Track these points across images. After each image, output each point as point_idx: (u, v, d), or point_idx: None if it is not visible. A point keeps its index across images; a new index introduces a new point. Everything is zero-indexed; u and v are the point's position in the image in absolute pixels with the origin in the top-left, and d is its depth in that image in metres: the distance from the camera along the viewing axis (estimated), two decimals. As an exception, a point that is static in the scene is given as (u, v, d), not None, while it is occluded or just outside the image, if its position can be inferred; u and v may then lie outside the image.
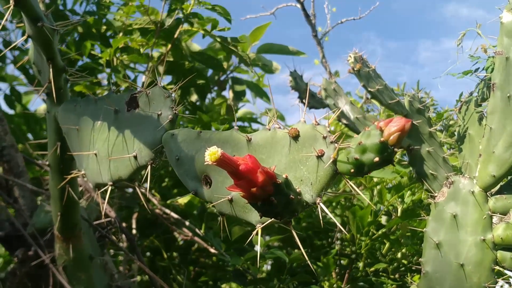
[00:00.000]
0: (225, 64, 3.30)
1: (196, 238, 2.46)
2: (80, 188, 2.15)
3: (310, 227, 2.81)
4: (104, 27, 2.66)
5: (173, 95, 1.34)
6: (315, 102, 2.78)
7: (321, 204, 1.05)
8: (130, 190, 2.81)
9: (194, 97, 3.17)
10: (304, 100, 2.97)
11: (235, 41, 2.40)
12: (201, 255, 2.72)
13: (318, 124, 1.08)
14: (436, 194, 1.80)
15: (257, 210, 0.98)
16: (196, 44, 3.02)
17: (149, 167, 1.32)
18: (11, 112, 3.02)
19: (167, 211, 2.53)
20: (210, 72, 3.35)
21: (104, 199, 1.41)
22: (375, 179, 2.88)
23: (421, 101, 2.37)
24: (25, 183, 2.18)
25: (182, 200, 2.64)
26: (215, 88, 3.47)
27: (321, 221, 1.08)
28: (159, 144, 1.31)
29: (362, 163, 1.01)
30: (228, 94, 3.53)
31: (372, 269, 2.48)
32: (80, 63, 2.73)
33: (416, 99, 2.35)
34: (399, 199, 2.61)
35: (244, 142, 1.16)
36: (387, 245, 2.62)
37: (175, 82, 2.75)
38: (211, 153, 0.88)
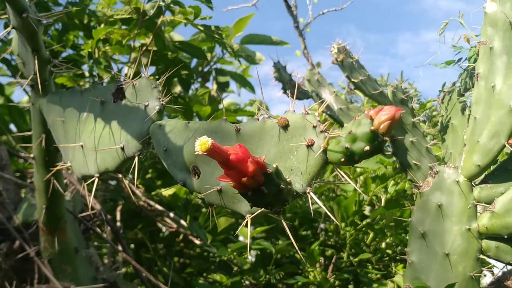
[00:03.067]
0: (208, 55, 3.29)
1: (181, 230, 2.45)
2: (65, 181, 2.13)
3: (294, 218, 2.81)
4: (87, 18, 2.64)
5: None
6: (299, 93, 2.78)
7: (311, 193, 1.05)
8: (114, 182, 2.80)
9: (178, 89, 3.16)
10: (287, 91, 2.98)
11: (218, 29, 2.39)
12: (186, 247, 2.71)
13: (308, 113, 1.08)
14: (420, 184, 1.81)
15: (248, 200, 0.98)
16: (179, 35, 3.00)
17: (136, 158, 1.32)
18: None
19: (152, 203, 2.52)
20: (194, 63, 3.33)
21: (90, 191, 1.40)
22: (358, 170, 2.88)
23: (404, 92, 2.38)
24: (9, 176, 2.16)
25: (167, 192, 2.63)
26: (199, 79, 3.45)
27: (311, 211, 1.08)
28: (147, 135, 1.30)
29: (353, 152, 1.01)
30: (212, 85, 3.52)
31: (357, 259, 2.49)
32: (64, 54, 2.70)
33: (399, 90, 2.36)
34: (383, 189, 2.61)
35: (233, 133, 1.16)
36: (371, 235, 2.62)
37: (159, 73, 2.73)
38: (202, 143, 0.88)
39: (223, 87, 3.51)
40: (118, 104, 1.39)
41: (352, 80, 2.35)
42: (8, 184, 2.17)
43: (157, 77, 2.73)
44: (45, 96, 1.63)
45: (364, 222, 2.50)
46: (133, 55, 2.69)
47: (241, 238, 2.53)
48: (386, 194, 2.63)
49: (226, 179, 0.93)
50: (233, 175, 0.91)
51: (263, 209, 1.08)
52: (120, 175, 2.69)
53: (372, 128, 0.99)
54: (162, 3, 2.44)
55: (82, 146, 1.44)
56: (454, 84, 2.31)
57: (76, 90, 1.54)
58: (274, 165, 0.98)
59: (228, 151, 0.90)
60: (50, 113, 1.58)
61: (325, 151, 1.03)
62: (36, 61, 1.44)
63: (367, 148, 0.99)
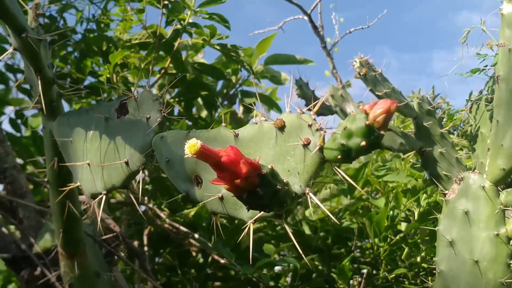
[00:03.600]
0: (233, 78, 3.29)
1: (206, 251, 2.43)
2: (85, 206, 2.14)
3: (327, 236, 2.78)
4: (105, 45, 2.66)
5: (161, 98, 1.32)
6: (322, 109, 2.75)
7: (310, 194, 1.02)
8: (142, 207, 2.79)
9: (204, 113, 3.16)
10: (311, 108, 2.95)
11: (235, 47, 2.38)
12: (214, 267, 2.69)
13: (303, 113, 1.06)
14: (446, 192, 1.77)
15: (244, 203, 0.95)
16: (204, 60, 3.01)
17: (140, 172, 1.30)
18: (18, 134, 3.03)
19: (176, 225, 2.50)
20: (219, 86, 3.33)
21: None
22: (390, 185, 2.84)
23: (430, 103, 2.34)
24: (29, 202, 2.16)
25: (189, 212, 2.62)
26: (225, 102, 3.45)
27: (311, 213, 1.05)
28: (149, 148, 1.29)
29: (349, 148, 0.98)
30: (238, 108, 3.52)
31: (392, 275, 2.44)
32: (86, 82, 2.72)
33: (425, 101, 2.32)
34: (415, 203, 2.57)
35: (231, 138, 1.15)
36: (406, 250, 2.57)
37: (179, 95, 2.73)
38: (191, 145, 0.86)
39: (249, 109, 3.50)
40: (121, 120, 1.38)
41: (376, 93, 2.31)
42: (29, 212, 2.18)
43: (177, 99, 2.74)
44: (55, 119, 1.63)
45: (398, 237, 2.45)
46: (153, 79, 2.70)
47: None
48: (419, 207, 2.58)
49: (220, 182, 0.90)
50: (226, 177, 0.89)
51: (263, 213, 1.06)
52: (145, 199, 2.72)
53: (367, 122, 0.96)
54: (179, 26, 2.45)
55: (88, 164, 1.43)
56: (481, 92, 2.26)
57: (82, 110, 1.54)
58: (269, 166, 0.96)
59: (220, 153, 0.88)
60: (60, 135, 1.58)
61: (321, 149, 1.01)
62: (39, 81, 1.44)
63: (363, 143, 0.96)
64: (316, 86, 2.95)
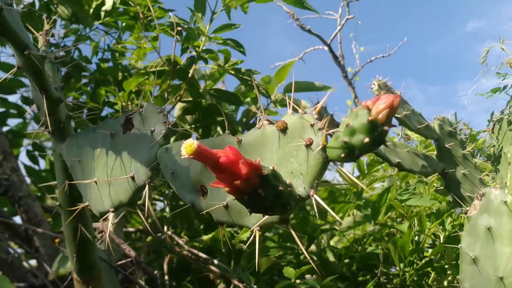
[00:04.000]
0: (253, 108, 3.28)
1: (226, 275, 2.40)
2: (101, 235, 2.11)
3: (352, 263, 2.73)
4: (121, 75, 2.67)
5: (166, 110, 1.30)
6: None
7: (315, 196, 0.99)
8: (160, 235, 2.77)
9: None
10: (330, 132, 2.91)
11: (250, 71, 2.37)
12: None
13: (305, 113, 1.03)
14: (468, 208, 1.74)
15: (245, 205, 0.92)
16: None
17: (147, 186, 1.28)
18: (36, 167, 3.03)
19: (195, 251, 2.47)
20: (239, 116, 3.33)
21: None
22: (414, 210, 2.80)
23: (451, 124, 2.31)
24: (45, 230, 2.15)
25: (207, 237, 2.59)
26: (245, 132, 3.44)
27: (317, 214, 1.02)
28: (155, 161, 1.27)
29: (352, 146, 0.94)
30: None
31: (420, 300, 2.38)
32: (103, 113, 2.73)
33: (446, 122, 2.29)
34: (440, 227, 2.52)
35: (235, 145, 1.12)
36: (433, 274, 2.51)
37: (195, 121, 2.72)
38: (187, 146, 0.83)
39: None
40: (127, 135, 1.37)
41: (396, 115, 2.28)
42: (45, 240, 2.16)
43: (193, 126, 2.73)
44: (64, 141, 1.62)
45: (423, 262, 2.40)
46: (169, 107, 2.69)
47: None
48: (445, 231, 2.53)
49: (219, 184, 0.87)
50: (225, 178, 0.86)
51: (269, 219, 1.03)
52: (166, 230, 2.69)
53: (370, 118, 0.92)
54: (194, 53, 2.45)
55: (96, 182, 1.41)
56: (502, 112, 2.22)
57: (90, 129, 1.52)
58: (271, 167, 0.92)
59: (218, 153, 0.85)
60: (69, 156, 1.57)
61: (324, 148, 0.98)
62: (45, 100, 1.42)
63: (367, 140, 0.93)
64: (335, 111, 2.92)
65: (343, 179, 2.97)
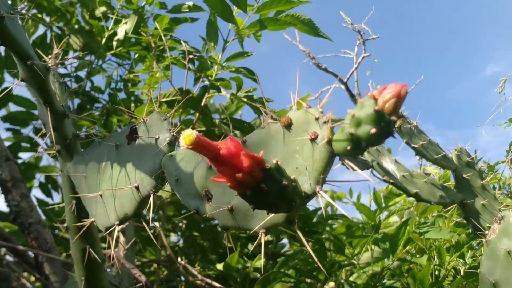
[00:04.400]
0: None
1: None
2: (113, 263, 2.07)
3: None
4: (134, 106, 2.66)
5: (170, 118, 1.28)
6: (357, 163, 2.68)
7: (321, 192, 0.95)
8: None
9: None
10: (345, 162, 2.88)
11: (262, 99, 2.36)
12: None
13: (310, 107, 0.99)
14: (486, 232, 1.70)
15: (248, 201, 0.88)
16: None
17: (151, 196, 1.24)
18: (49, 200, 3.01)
19: (209, 280, 2.43)
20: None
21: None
22: (434, 244, 2.74)
23: (469, 154, 2.29)
24: (55, 255, 2.12)
25: (220, 265, 2.54)
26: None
27: (324, 212, 0.97)
28: (159, 169, 1.24)
29: (358, 138, 0.91)
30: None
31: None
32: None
33: (464, 153, 2.27)
34: (461, 260, 2.47)
35: (239, 145, 1.08)
36: (454, 308, 2.44)
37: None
38: (186, 136, 0.80)
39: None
40: (132, 146, 1.34)
41: (412, 145, 2.26)
42: (55, 267, 2.13)
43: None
44: (71, 161, 1.59)
45: (444, 296, 2.35)
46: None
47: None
48: (465, 265, 2.48)
49: (220, 178, 0.84)
50: (226, 171, 0.83)
51: (275, 220, 0.99)
52: (180, 260, 2.65)
53: (376, 108, 0.89)
54: (206, 82, 2.44)
55: (101, 195, 1.38)
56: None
57: (95, 143, 1.50)
58: (274, 161, 0.89)
59: (218, 145, 0.82)
60: (75, 173, 1.54)
61: (329, 142, 0.94)
62: (49, 114, 1.40)
63: (373, 130, 0.89)
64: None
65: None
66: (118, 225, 1.33)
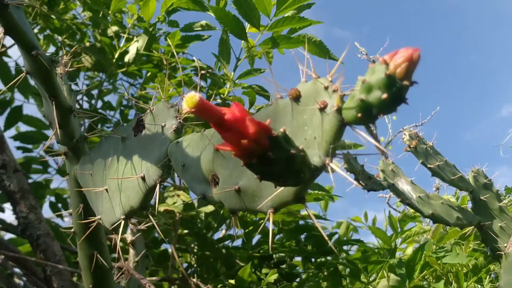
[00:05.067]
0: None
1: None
2: (122, 279, 2.03)
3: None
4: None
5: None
6: (373, 184, 2.65)
7: (331, 164, 0.90)
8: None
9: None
10: (361, 182, 2.84)
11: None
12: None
13: (319, 77, 0.96)
14: (505, 245, 1.66)
15: (254, 171, 0.84)
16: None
17: (158, 186, 1.21)
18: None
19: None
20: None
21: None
22: (452, 269, 2.70)
23: (486, 176, 2.26)
24: (63, 266, 2.07)
25: (232, 280, 2.50)
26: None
27: (333, 182, 0.93)
28: (165, 157, 1.20)
29: (369, 104, 0.86)
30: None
31: None
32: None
33: (481, 174, 2.25)
34: (479, 286, 2.42)
35: (248, 125, 1.04)
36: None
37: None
38: (188, 98, 0.76)
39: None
40: (138, 137, 1.31)
41: (428, 166, 2.24)
42: (64, 280, 2.08)
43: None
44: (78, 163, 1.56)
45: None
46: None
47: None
48: (483, 290, 2.44)
49: (225, 146, 0.80)
50: (231, 138, 0.79)
51: (284, 199, 0.95)
52: (193, 280, 2.60)
53: (388, 72, 0.85)
54: (218, 100, 2.43)
55: (106, 190, 1.34)
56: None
57: (102, 141, 1.47)
58: (282, 129, 0.85)
59: (223, 110, 0.79)
60: (83, 175, 1.51)
61: (339, 110, 0.90)
62: (54, 108, 1.36)
63: (385, 96, 0.85)
64: (365, 161, 2.86)
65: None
66: (124, 219, 1.29)
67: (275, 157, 0.80)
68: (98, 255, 1.61)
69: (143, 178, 1.22)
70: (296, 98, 0.97)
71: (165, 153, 1.20)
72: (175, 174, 2.89)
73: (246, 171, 1.01)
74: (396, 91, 0.85)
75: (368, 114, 0.88)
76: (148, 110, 1.29)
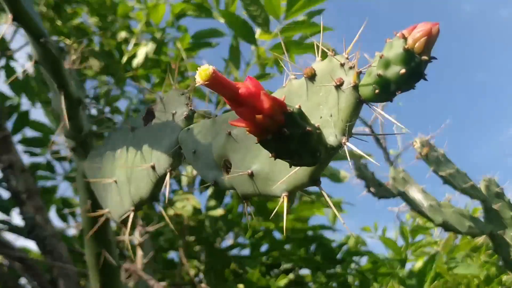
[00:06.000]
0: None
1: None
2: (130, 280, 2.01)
3: None
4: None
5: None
6: (383, 191, 2.63)
7: (348, 143, 0.87)
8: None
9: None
10: (371, 189, 2.81)
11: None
12: None
13: (335, 54, 0.93)
14: None
15: (269, 148, 0.81)
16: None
17: (168, 175, 1.18)
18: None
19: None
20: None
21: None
22: (463, 282, 2.67)
23: (498, 185, 2.24)
24: (70, 273, 2.05)
25: (241, 285, 2.47)
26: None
27: (349, 157, 0.90)
28: (176, 145, 1.17)
29: (387, 80, 0.84)
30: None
31: None
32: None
33: (492, 183, 2.22)
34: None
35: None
36: None
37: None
38: (202, 71, 0.74)
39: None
40: (148, 126, 1.28)
41: (440, 173, 2.21)
42: (70, 282, 2.06)
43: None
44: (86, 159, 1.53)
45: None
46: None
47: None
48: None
49: (239, 122, 0.77)
50: (245, 113, 0.76)
51: (299, 182, 0.92)
52: (201, 285, 2.57)
53: (406, 46, 0.83)
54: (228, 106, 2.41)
55: (115, 181, 1.32)
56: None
57: (111, 133, 1.44)
58: (297, 106, 0.82)
59: (237, 84, 0.76)
60: (90, 168, 1.48)
61: (356, 87, 0.87)
62: (62, 99, 1.34)
63: (403, 71, 0.82)
64: (376, 169, 2.84)
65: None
66: (134, 210, 1.26)
67: (290, 134, 0.78)
68: (106, 253, 1.58)
69: (153, 167, 1.20)
70: (312, 77, 0.95)
71: (175, 141, 1.17)
72: (184, 183, 2.89)
73: (259, 155, 0.99)
74: (414, 66, 0.82)
75: (386, 90, 0.85)
76: (159, 99, 1.26)
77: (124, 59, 2.70)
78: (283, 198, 0.94)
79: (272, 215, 1.03)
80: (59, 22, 2.77)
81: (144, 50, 2.65)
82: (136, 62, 2.66)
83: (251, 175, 0.99)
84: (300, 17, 2.30)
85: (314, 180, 0.92)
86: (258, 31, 2.38)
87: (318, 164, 0.87)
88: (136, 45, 2.77)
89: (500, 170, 2.25)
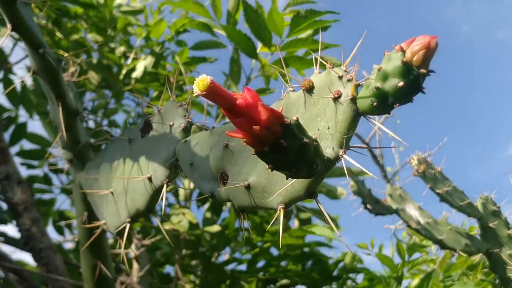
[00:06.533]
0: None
1: None
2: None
3: None
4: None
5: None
6: (380, 208, 2.62)
7: (344, 156, 0.87)
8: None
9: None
10: (368, 206, 2.81)
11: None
12: None
13: (333, 67, 0.93)
14: None
15: (266, 160, 0.80)
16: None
17: (164, 187, 1.17)
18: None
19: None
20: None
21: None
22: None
23: (494, 203, 2.23)
24: (66, 285, 2.03)
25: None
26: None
27: (346, 173, 0.89)
28: (173, 157, 1.17)
29: (385, 93, 0.84)
30: (293, 223, 3.42)
31: None
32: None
33: (489, 201, 2.22)
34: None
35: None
36: None
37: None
38: (200, 81, 0.73)
39: (305, 223, 3.38)
40: (146, 138, 1.28)
41: (437, 191, 2.21)
42: (67, 294, 2.04)
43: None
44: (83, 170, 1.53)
45: None
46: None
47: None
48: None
49: (236, 133, 0.77)
50: (242, 124, 0.76)
51: (295, 195, 0.92)
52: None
53: (405, 59, 0.82)
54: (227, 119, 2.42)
55: (112, 193, 1.31)
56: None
57: (108, 145, 1.44)
58: (295, 117, 0.82)
59: (235, 95, 0.76)
60: (88, 181, 1.48)
61: (354, 100, 0.87)
62: (60, 109, 1.34)
63: (401, 84, 0.82)
64: (372, 186, 2.83)
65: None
66: (130, 222, 1.26)
67: (287, 145, 0.77)
68: (101, 266, 1.57)
69: (150, 179, 1.19)
70: (309, 89, 0.94)
71: (173, 153, 1.17)
72: (181, 197, 2.88)
73: (256, 167, 0.98)
74: (412, 79, 0.82)
75: (384, 103, 0.85)
76: (156, 110, 1.26)
77: (123, 72, 2.70)
78: (280, 210, 0.93)
79: (267, 230, 1.03)
80: (59, 35, 2.77)
81: (143, 64, 2.65)
82: (135, 75, 2.66)
83: (248, 187, 0.99)
84: (304, 34, 2.30)
85: (311, 193, 0.91)
86: (259, 45, 2.39)
87: (315, 176, 0.86)
88: (135, 59, 2.77)
89: (498, 188, 2.24)
